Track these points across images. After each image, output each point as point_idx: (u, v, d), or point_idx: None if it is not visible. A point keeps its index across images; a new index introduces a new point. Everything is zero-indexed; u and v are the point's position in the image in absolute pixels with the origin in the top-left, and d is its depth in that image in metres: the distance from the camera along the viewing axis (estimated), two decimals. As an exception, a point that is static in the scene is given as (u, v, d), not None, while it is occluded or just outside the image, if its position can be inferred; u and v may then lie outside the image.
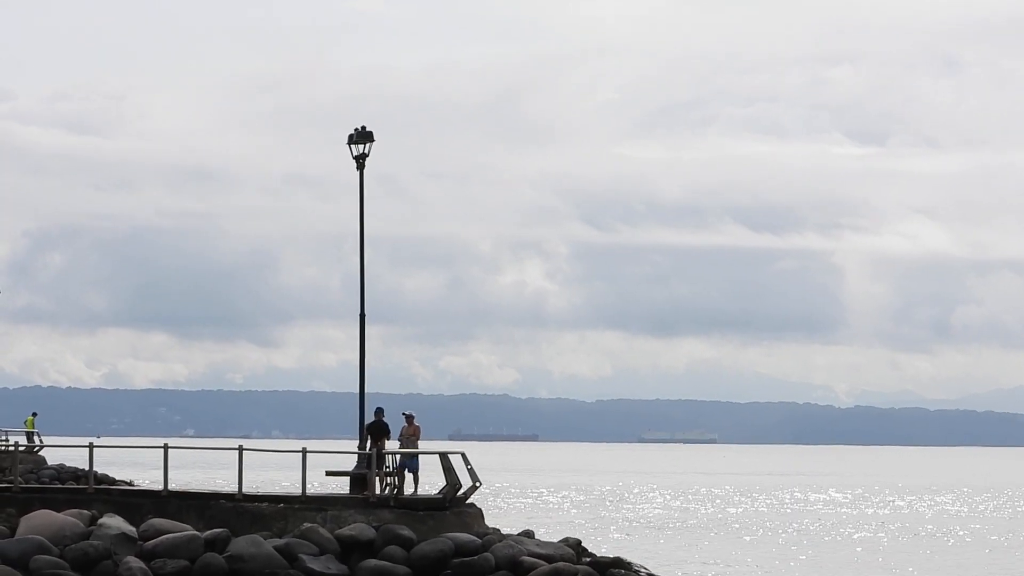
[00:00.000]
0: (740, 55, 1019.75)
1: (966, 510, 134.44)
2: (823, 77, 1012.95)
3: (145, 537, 46.74)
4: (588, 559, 47.05)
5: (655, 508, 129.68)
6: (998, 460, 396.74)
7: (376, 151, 52.30)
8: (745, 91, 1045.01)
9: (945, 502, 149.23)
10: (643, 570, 47.50)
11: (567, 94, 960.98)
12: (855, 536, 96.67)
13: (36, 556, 45.23)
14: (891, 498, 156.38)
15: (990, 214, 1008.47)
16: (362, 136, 52.44)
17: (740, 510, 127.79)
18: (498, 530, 48.68)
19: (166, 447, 52.87)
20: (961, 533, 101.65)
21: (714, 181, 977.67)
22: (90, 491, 51.25)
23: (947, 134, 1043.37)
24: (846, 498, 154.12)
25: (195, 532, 46.80)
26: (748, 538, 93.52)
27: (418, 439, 52.19)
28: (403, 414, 52.48)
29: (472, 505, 48.95)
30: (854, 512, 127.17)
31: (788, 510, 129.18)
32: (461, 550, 46.02)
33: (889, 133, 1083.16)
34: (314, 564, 45.72)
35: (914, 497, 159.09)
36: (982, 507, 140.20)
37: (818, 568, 74.39)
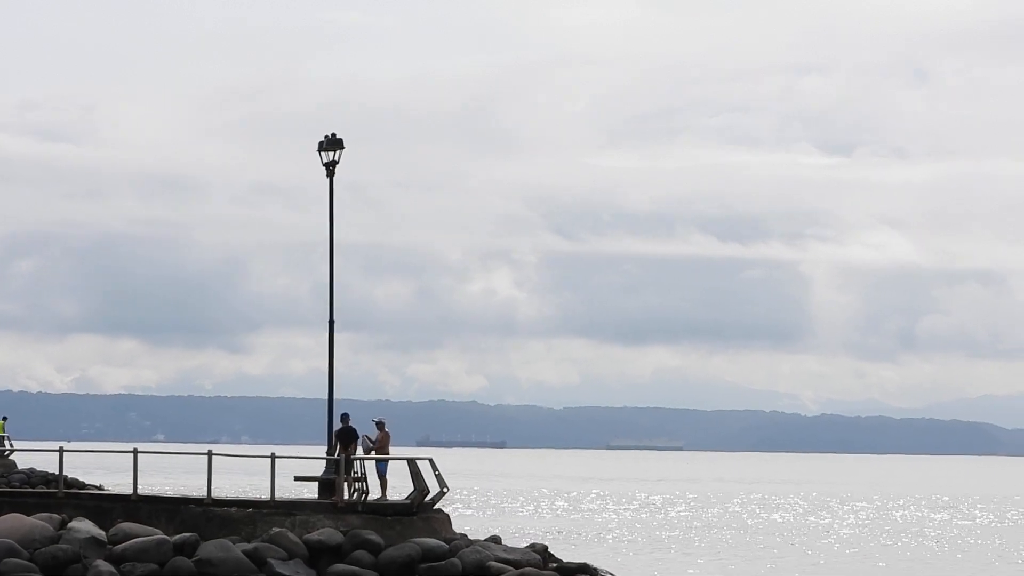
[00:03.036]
0: (710, 66, 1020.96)
1: (931, 517, 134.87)
2: (793, 87, 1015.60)
3: (115, 541, 46.78)
4: (554, 564, 47.20)
5: (621, 515, 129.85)
6: (962, 469, 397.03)
7: (346, 160, 52.42)
8: (715, 101, 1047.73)
9: (906, 510, 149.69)
10: (608, 574, 47.74)
11: (537, 105, 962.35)
12: (819, 542, 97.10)
13: (6, 559, 45.21)
14: (854, 505, 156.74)
15: (957, 224, 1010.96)
16: (332, 143, 52.53)
17: (705, 517, 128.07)
18: (465, 535, 48.83)
19: (135, 452, 52.78)
20: (912, 542, 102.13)
21: (682, 191, 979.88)
22: (60, 495, 51.22)
23: (915, 144, 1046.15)
24: (807, 506, 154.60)
25: (164, 536, 46.83)
26: (705, 545, 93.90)
27: (390, 445, 52.41)
28: (373, 421, 52.69)
29: (439, 511, 49.12)
30: (813, 519, 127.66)
31: (748, 519, 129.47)
32: (428, 555, 46.18)
33: (858, 143, 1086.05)
34: (283, 569, 45.82)
35: (871, 504, 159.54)
36: (936, 516, 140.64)
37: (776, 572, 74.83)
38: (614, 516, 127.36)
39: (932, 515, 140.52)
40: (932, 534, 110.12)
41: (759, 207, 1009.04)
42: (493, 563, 46.07)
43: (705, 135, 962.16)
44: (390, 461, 51.23)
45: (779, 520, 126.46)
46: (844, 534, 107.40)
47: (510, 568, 45.82)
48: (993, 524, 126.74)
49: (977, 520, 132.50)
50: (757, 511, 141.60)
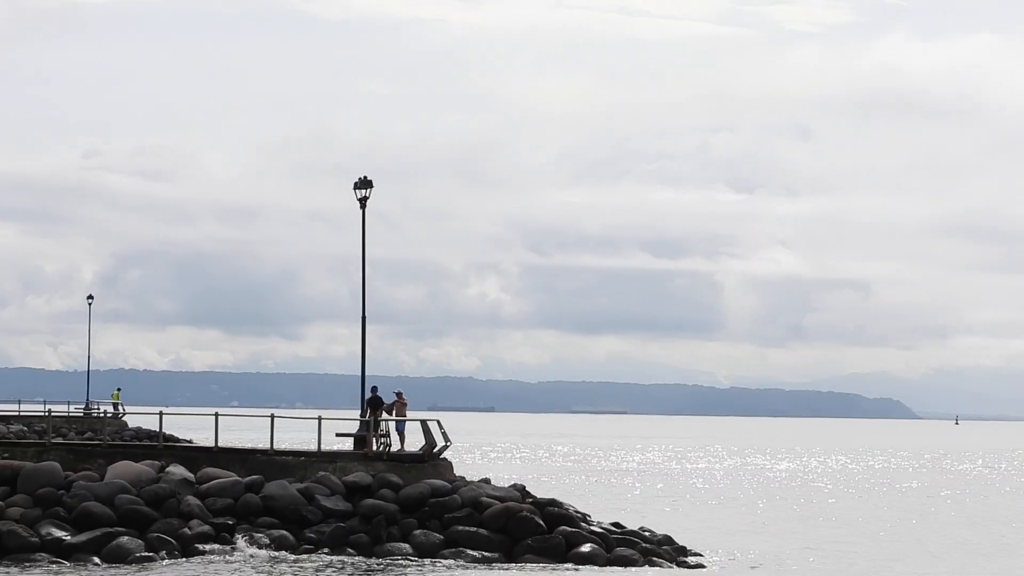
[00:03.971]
0: (647, 124, 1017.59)
1: (814, 465, 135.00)
2: (709, 141, 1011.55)
3: (201, 481, 46.54)
4: (530, 500, 46.90)
5: (581, 462, 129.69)
6: (837, 429, 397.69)
7: (374, 195, 52.14)
8: (651, 152, 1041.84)
9: (792, 458, 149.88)
10: (571, 508, 47.37)
11: (516, 153, 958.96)
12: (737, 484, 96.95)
13: (120, 495, 45.03)
14: (755, 457, 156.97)
15: (831, 245, 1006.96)
16: (364, 183, 52.32)
17: (640, 461, 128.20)
18: (463, 478, 48.51)
19: (216, 415, 52.61)
20: (797, 479, 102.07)
21: (626, 220, 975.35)
22: (160, 447, 50.99)
23: (801, 185, 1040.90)
24: (718, 454, 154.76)
25: (238, 478, 46.59)
26: (641, 486, 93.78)
27: (407, 409, 52.14)
28: (394, 392, 52.39)
29: (444, 459, 48.80)
30: (721, 463, 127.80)
31: (677, 465, 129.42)
32: (436, 492, 45.90)
33: (758, 184, 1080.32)
34: (326, 502, 45.56)
35: (765, 453, 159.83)
36: (810, 462, 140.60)
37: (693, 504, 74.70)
38: (576, 463, 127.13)
39: (809, 462, 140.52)
40: (813, 475, 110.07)
41: (684, 232, 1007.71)
42: (484, 498, 45.77)
43: (643, 177, 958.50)
44: (407, 422, 50.95)
45: (699, 466, 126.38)
46: (746, 472, 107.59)
47: (497, 502, 45.48)
48: (850, 466, 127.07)
49: (841, 463, 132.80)
50: (680, 458, 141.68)
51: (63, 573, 39.69)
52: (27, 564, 40.97)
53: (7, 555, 41.91)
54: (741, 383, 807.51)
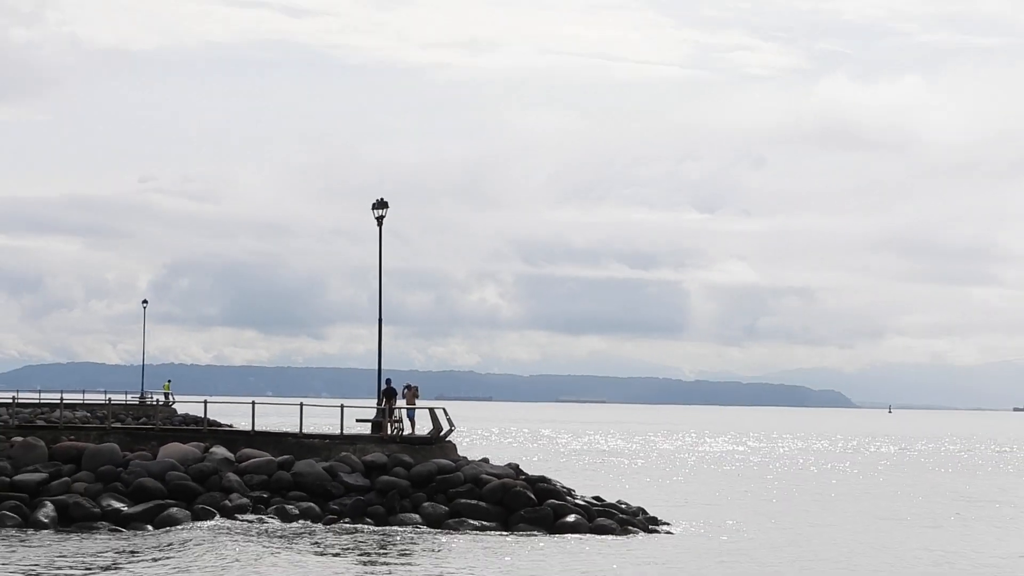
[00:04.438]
0: (624, 154, 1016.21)
1: (764, 446, 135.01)
2: (677, 169, 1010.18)
3: (239, 460, 46.51)
4: (523, 477, 46.90)
5: (567, 444, 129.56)
6: (786, 417, 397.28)
7: (389, 214, 52.20)
8: (627, 177, 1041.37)
9: (750, 440, 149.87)
10: (558, 484, 47.33)
11: (512, 179, 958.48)
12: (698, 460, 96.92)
13: (170, 472, 45.02)
14: (721, 439, 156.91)
15: (781, 258, 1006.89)
16: (380, 204, 52.33)
17: (622, 444, 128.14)
18: (466, 457, 48.46)
19: (253, 403, 52.64)
20: (751, 458, 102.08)
21: (607, 236, 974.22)
22: (204, 431, 51.01)
23: (756, 207, 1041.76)
24: (688, 437, 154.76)
25: (272, 457, 46.55)
26: (626, 462, 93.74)
27: (417, 399, 52.13)
28: (406, 384, 52.39)
29: (449, 442, 48.79)
30: (688, 443, 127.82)
31: (649, 447, 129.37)
32: (442, 470, 45.87)
33: (718, 206, 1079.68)
34: (348, 478, 45.51)
35: (727, 436, 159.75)
36: (758, 444, 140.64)
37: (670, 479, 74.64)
38: (562, 445, 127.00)
39: (763, 445, 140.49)
40: (768, 457, 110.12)
41: (655, 246, 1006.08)
42: (484, 476, 45.75)
43: (620, 200, 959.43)
44: (417, 409, 50.95)
45: (668, 447, 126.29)
46: (712, 451, 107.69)
47: (494, 479, 45.47)
48: (801, 446, 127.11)
49: (791, 445, 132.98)
50: (651, 442, 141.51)
51: (121, 539, 39.64)
52: (90, 532, 40.97)
53: (73, 523, 41.96)
54: (704, 377, 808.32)
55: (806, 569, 36.99)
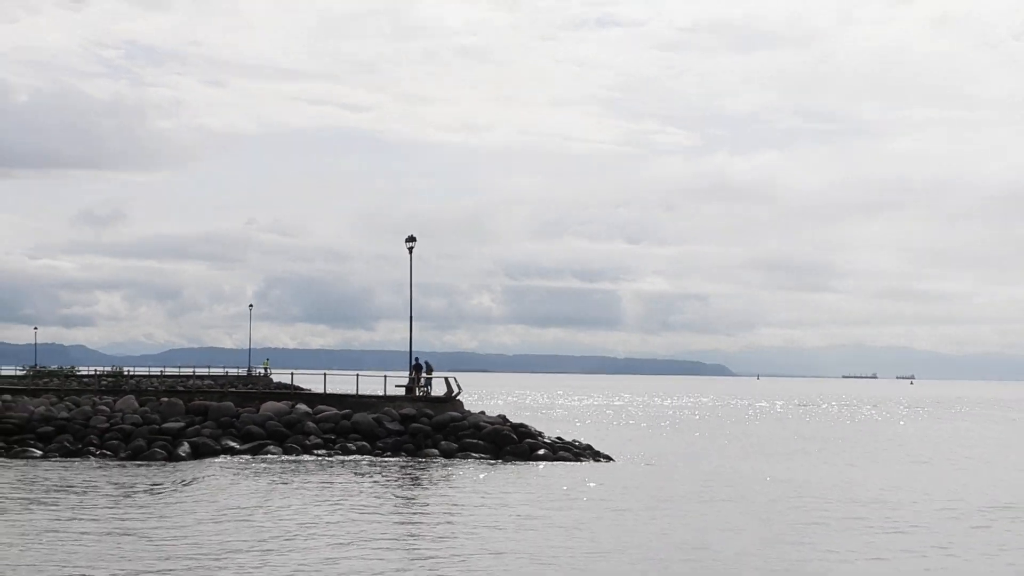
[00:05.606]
0: (577, 203, 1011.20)
1: (685, 405, 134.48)
2: (614, 213, 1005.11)
3: (315, 413, 46.46)
4: (509, 424, 46.87)
5: (539, 400, 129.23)
6: (689, 383, 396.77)
7: (417, 246, 52.26)
8: (580, 219, 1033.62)
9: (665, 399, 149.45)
10: (532, 428, 47.34)
11: (499, 222, 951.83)
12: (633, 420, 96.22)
13: (268, 421, 44.94)
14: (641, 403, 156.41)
15: (686, 274, 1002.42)
16: (411, 239, 52.35)
17: (576, 402, 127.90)
18: (470, 411, 48.45)
19: (324, 375, 52.72)
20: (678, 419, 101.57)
21: (565, 259, 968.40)
22: (291, 394, 50.92)
23: (669, 239, 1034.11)
24: (622, 401, 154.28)
25: (337, 411, 46.53)
26: (580, 424, 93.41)
27: (432, 371, 52.05)
28: (425, 362, 52.38)
29: (459, 400, 48.76)
30: (617, 406, 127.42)
31: (596, 404, 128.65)
32: (454, 420, 45.85)
33: (643, 238, 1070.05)
34: (390, 425, 45.43)
35: (655, 400, 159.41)
36: (673, 404, 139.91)
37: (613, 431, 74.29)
38: (537, 401, 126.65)
39: (676, 400, 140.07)
40: (683, 409, 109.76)
41: (599, 266, 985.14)
42: (482, 423, 45.78)
43: (575, 234, 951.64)
44: (435, 378, 50.88)
45: (616, 403, 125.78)
46: (641, 406, 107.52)
47: (489, 425, 45.49)
48: (696, 402, 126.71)
49: (693, 401, 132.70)
50: (596, 401, 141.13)
51: (235, 465, 39.62)
52: (214, 462, 40.98)
53: (201, 457, 41.91)
54: (632, 355, 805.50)
55: (709, 485, 37.07)
